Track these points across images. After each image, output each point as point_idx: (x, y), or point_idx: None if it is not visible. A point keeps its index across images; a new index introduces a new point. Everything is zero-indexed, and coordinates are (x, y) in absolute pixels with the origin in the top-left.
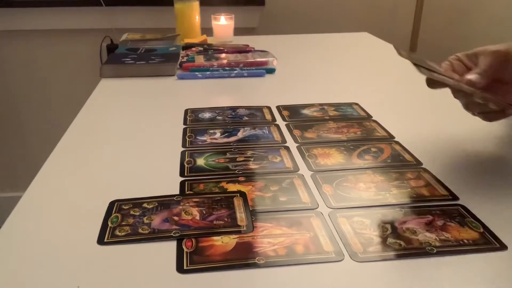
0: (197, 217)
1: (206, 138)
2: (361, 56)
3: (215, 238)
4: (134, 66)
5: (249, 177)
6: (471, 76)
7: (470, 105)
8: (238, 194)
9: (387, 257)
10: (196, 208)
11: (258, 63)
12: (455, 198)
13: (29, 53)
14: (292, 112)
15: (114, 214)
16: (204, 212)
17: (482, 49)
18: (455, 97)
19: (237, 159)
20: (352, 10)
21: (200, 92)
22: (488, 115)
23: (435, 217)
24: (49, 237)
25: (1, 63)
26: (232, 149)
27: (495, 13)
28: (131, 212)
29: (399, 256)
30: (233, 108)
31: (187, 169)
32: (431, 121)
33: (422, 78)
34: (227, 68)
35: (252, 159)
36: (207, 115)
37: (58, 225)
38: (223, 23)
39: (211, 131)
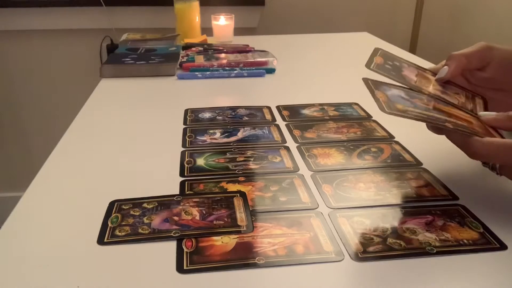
0: (197, 217)
1: (206, 138)
2: (361, 56)
3: (215, 238)
4: (134, 66)
5: (249, 177)
6: (438, 76)
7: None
8: (238, 194)
9: (387, 257)
10: (196, 208)
11: (258, 63)
12: (455, 198)
13: (29, 53)
14: (292, 112)
15: (114, 214)
16: (204, 212)
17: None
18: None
19: (237, 159)
20: (352, 10)
21: (200, 92)
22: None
23: (435, 217)
24: (49, 237)
25: (1, 63)
26: (232, 149)
27: (496, 12)
28: (131, 212)
29: (399, 256)
30: (233, 108)
31: (187, 169)
32: None
33: None
34: (227, 68)
35: (252, 159)
36: (207, 115)
37: (58, 225)
38: (223, 23)
39: (211, 131)
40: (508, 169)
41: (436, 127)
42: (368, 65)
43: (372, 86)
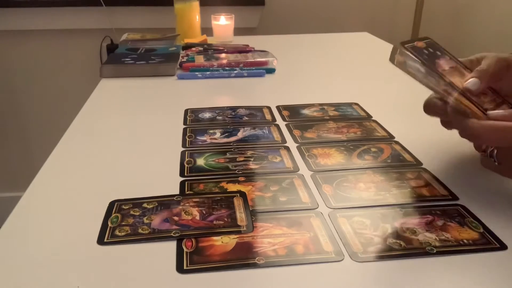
0: (197, 217)
1: (206, 138)
2: (361, 56)
3: (215, 238)
4: (134, 66)
5: (249, 177)
6: (467, 83)
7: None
8: (238, 194)
9: (387, 257)
10: (196, 208)
11: (258, 63)
12: (455, 198)
13: (29, 53)
14: (292, 112)
15: (114, 214)
16: (204, 212)
17: (484, 54)
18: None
19: (237, 159)
20: (352, 10)
21: (200, 92)
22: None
23: (435, 217)
24: (49, 237)
25: (1, 63)
26: (232, 149)
27: (496, 12)
28: (131, 212)
29: (399, 256)
30: (233, 108)
31: (187, 169)
32: (431, 121)
33: None
34: (227, 68)
35: (252, 159)
36: (207, 115)
37: (58, 225)
38: (223, 23)
39: (211, 131)
40: (504, 152)
41: (434, 110)
42: (403, 43)
43: (399, 49)
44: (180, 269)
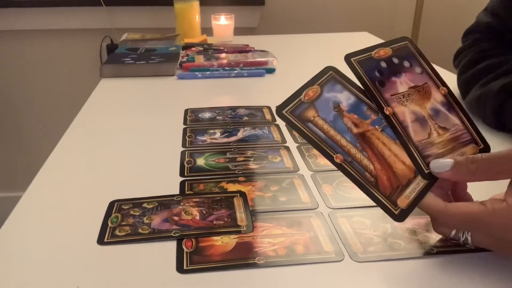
0: (197, 217)
1: (206, 138)
2: None
3: (215, 238)
4: (134, 66)
5: (249, 177)
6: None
7: None
8: (238, 194)
9: (387, 257)
10: (196, 208)
11: (258, 63)
12: None
13: (29, 53)
14: None
15: (114, 214)
16: (204, 212)
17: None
18: None
19: (237, 159)
20: (352, 10)
21: (200, 92)
22: None
23: None
24: (49, 237)
25: (1, 63)
26: (232, 149)
27: None
28: (131, 212)
29: (399, 256)
30: (233, 108)
31: (187, 169)
32: None
33: None
34: (227, 68)
35: (252, 159)
36: (207, 115)
37: (58, 225)
38: (223, 23)
39: (211, 131)
40: (482, 237)
41: None
42: (349, 57)
43: (322, 78)
44: (180, 269)
